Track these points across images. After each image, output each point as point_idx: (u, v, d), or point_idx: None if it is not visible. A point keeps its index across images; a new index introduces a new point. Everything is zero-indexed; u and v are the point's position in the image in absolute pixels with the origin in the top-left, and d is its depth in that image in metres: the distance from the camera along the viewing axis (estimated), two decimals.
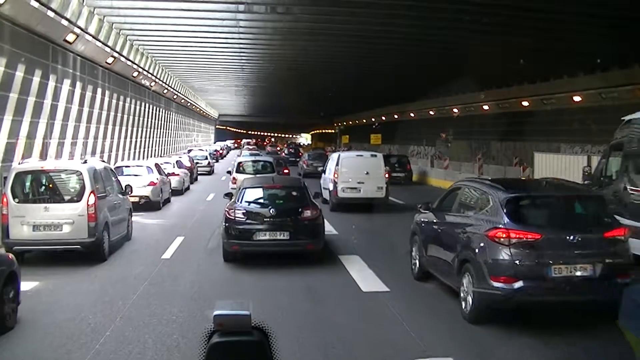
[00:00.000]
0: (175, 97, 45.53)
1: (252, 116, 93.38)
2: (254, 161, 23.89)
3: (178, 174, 25.20)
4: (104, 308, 8.74)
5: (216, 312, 2.29)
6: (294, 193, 12.58)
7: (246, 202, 12.02)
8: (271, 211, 11.66)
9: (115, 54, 23.88)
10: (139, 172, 20.18)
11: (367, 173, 20.35)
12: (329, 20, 20.70)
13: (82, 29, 18.67)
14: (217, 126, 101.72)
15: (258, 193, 12.43)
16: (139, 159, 31.74)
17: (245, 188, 12.38)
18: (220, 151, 64.63)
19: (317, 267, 11.40)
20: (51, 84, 17.74)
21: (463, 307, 8.33)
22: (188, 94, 52.26)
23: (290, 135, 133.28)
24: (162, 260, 12.25)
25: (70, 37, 18.14)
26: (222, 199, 21.45)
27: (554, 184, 9.62)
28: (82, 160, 13.82)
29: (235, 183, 19.80)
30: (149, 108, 36.25)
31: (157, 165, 21.51)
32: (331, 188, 20.62)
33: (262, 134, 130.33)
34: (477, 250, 8.19)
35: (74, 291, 9.81)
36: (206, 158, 40.13)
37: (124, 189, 14.24)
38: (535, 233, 7.90)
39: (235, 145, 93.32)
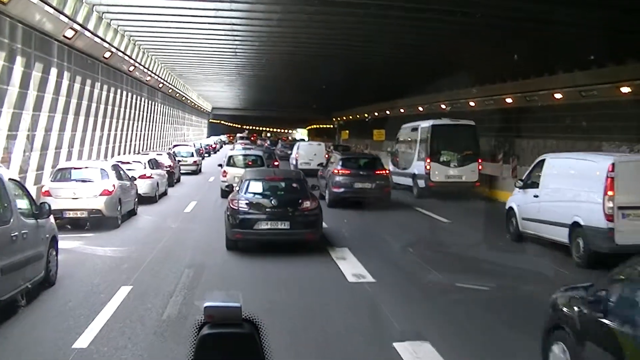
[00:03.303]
0: (160, 85, 41.01)
1: (247, 110, 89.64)
2: (244, 155, 24.85)
3: (150, 176, 19.97)
4: None
5: (207, 304, 2.25)
6: (294, 185, 13.27)
7: (249, 192, 12.66)
8: (272, 202, 12.37)
9: (77, 27, 19.46)
10: (90, 177, 15.01)
11: (315, 154, 34.21)
12: None
13: None
14: (210, 120, 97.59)
15: (260, 184, 13.09)
16: (112, 156, 27.38)
17: (248, 180, 13.01)
18: (214, 145, 65.84)
19: None
20: None
21: (325, 200, 19.80)
22: (177, 83, 47.79)
23: (287, 130, 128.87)
24: (74, 351, 6.66)
25: None
26: (204, 211, 18.67)
27: (361, 154, 32.65)
28: None
29: (225, 176, 21.55)
30: (127, 97, 31.82)
31: (116, 166, 16.43)
32: (294, 164, 34.45)
33: (257, 128, 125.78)
34: (329, 177, 20.62)
35: None
36: (192, 155, 34.20)
37: (38, 209, 9.27)
38: (348, 170, 20.42)
39: (229, 139, 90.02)
